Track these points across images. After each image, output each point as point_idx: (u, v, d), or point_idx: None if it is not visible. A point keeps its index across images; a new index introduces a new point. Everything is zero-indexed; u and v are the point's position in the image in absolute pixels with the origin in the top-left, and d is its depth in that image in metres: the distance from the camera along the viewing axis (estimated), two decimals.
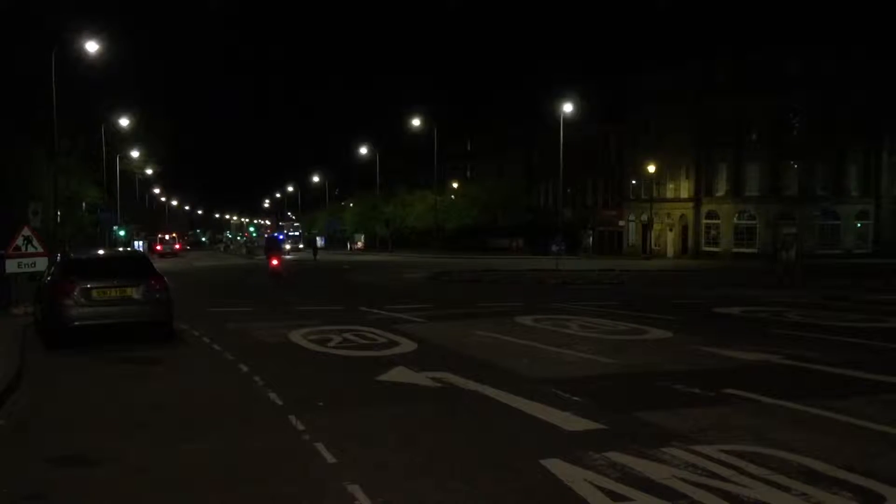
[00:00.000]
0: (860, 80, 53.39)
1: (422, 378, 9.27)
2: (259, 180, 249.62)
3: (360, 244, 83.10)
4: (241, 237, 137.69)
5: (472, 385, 8.80)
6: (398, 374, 9.56)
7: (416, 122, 64.78)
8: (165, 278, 13.38)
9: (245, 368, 10.19)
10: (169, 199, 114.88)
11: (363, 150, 77.87)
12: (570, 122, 48.34)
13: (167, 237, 76.38)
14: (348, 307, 18.42)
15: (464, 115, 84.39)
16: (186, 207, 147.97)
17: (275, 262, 34.25)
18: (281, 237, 67.03)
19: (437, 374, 9.39)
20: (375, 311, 17.42)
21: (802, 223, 55.73)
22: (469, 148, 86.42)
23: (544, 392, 8.37)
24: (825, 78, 52.75)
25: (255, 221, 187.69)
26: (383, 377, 9.41)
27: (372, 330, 13.77)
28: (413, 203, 73.12)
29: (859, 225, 58.30)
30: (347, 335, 13.17)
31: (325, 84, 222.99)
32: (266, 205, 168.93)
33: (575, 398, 8.10)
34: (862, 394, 8.23)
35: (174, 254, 70.63)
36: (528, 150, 74.61)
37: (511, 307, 17.99)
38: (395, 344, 12.21)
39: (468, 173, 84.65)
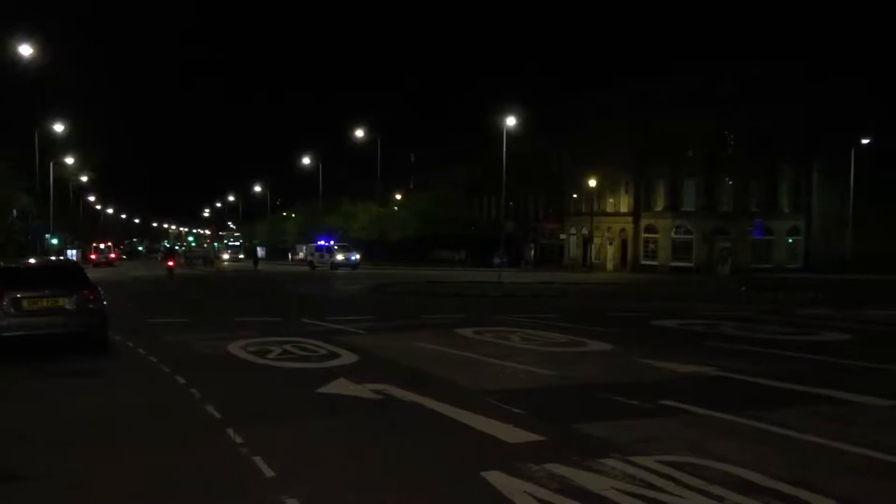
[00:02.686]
0: (792, 100, 55.18)
1: (363, 390, 9.21)
2: (199, 190, 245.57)
3: (301, 255, 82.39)
4: (180, 247, 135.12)
5: (413, 397, 8.78)
6: (339, 387, 9.48)
7: (360, 133, 64.62)
8: (100, 288, 13.04)
9: (182, 381, 9.98)
10: (105, 208, 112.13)
11: (306, 161, 77.30)
12: (514, 136, 48.77)
13: (102, 246, 74.37)
14: (289, 318, 18.22)
15: (408, 127, 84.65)
16: (123, 216, 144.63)
17: (170, 263, 45.71)
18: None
19: (379, 387, 9.34)
20: (316, 322, 17.27)
21: (737, 238, 57.22)
22: (413, 160, 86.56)
23: (486, 404, 8.39)
24: (759, 97, 54.37)
25: (195, 231, 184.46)
26: (324, 389, 9.32)
27: (312, 342, 13.64)
28: (356, 214, 72.84)
29: (791, 241, 60.11)
30: (287, 347, 13.01)
31: (270, 94, 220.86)
32: (206, 214, 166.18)
33: (516, 410, 8.14)
34: (792, 405, 8.46)
35: (109, 263, 68.81)
36: (472, 163, 75.07)
37: (453, 319, 18.02)
38: (336, 356, 12.11)
39: (412, 185, 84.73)
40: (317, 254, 60.61)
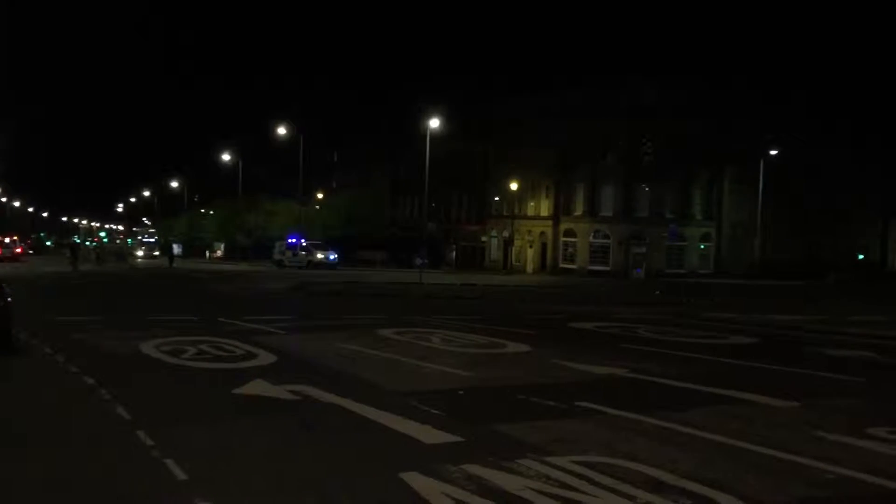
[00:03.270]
0: (706, 111, 57.07)
1: (280, 391, 9.10)
2: (113, 183, 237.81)
3: (219, 253, 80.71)
4: (91, 242, 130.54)
5: (332, 398, 8.72)
6: (256, 387, 9.33)
7: (282, 130, 63.68)
8: (4, 284, 12.50)
9: (91, 381, 9.64)
10: (10, 200, 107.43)
11: (226, 157, 75.76)
12: (437, 138, 48.93)
13: (7, 240, 71.25)
14: (205, 318, 17.82)
15: (332, 125, 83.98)
16: (30, 209, 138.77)
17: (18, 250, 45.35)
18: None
19: (297, 387, 9.24)
20: (234, 322, 16.95)
21: (652, 244, 58.79)
22: (336, 159, 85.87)
23: (405, 405, 8.40)
24: (675, 107, 56.02)
25: (107, 226, 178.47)
26: (240, 390, 9.16)
27: (229, 341, 13.38)
28: (277, 212, 71.78)
29: (703, 246, 62.12)
30: (203, 347, 12.74)
31: (189, 85, 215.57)
32: (119, 209, 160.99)
33: (434, 411, 8.17)
34: (700, 406, 8.75)
35: (14, 258, 65.83)
36: (395, 164, 75.04)
37: (374, 320, 17.96)
38: (254, 356, 11.92)
39: (334, 184, 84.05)
40: (288, 252, 56.96)
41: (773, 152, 57.83)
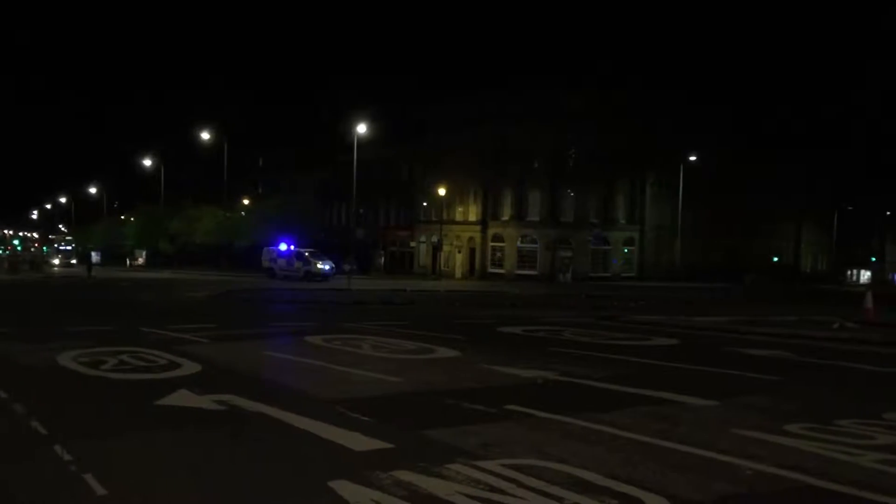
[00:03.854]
0: (630, 117, 58.41)
1: (205, 401, 8.90)
2: (27, 190, 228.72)
3: (141, 260, 78.57)
4: (3, 251, 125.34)
5: (259, 407, 8.57)
6: (180, 398, 9.11)
7: (205, 134, 62.45)
8: None
9: (4, 395, 9.25)
10: None
11: (147, 162, 73.87)
12: (366, 143, 48.77)
13: None
14: (126, 327, 17.31)
15: (258, 130, 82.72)
16: None
17: None
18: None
19: (223, 397, 9.05)
20: (156, 331, 16.51)
21: (577, 248, 59.79)
22: (262, 163, 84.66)
23: (334, 412, 8.33)
24: (598, 113, 57.17)
25: (21, 234, 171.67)
26: (163, 401, 8.92)
27: (152, 351, 13.03)
28: (200, 218, 70.29)
29: (626, 250, 63.49)
30: (124, 357, 12.36)
31: (106, 91, 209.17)
32: (34, 216, 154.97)
33: (364, 418, 8.12)
34: (626, 407, 8.93)
35: None
36: (324, 169, 74.45)
37: (302, 327, 17.76)
38: (177, 366, 11.63)
39: (260, 189, 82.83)
40: (280, 260, 51.27)
41: (692, 158, 59.58)
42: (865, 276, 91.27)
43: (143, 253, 78.67)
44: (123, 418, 8.25)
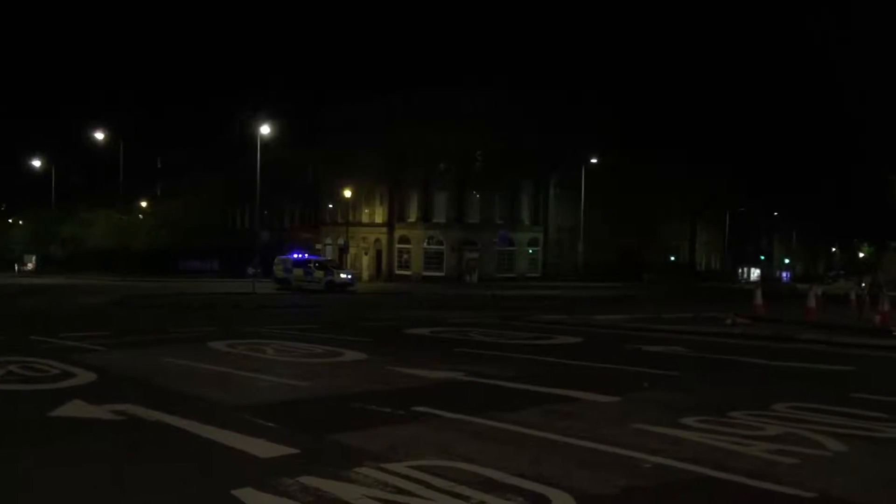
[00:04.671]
0: (534, 119, 59.50)
1: (102, 411, 8.56)
2: None
3: (30, 266, 74.89)
4: None
5: (159, 416, 8.31)
6: (74, 409, 8.73)
7: (99, 135, 60.09)
8: None
9: None
10: None
11: (37, 163, 70.53)
12: (270, 145, 47.95)
13: None
14: (14, 336, 16.45)
15: (156, 131, 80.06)
16: None
17: None
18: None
19: (120, 407, 8.73)
20: (48, 339, 15.76)
21: (483, 249, 60.47)
22: (160, 165, 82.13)
23: (238, 419, 8.15)
24: (504, 115, 58.02)
25: None
26: (56, 413, 8.52)
27: (43, 361, 12.43)
28: (94, 222, 67.52)
29: (531, 251, 64.63)
30: (13, 368, 11.75)
31: None
32: None
33: (270, 424, 7.99)
34: (532, 405, 9.08)
35: None
36: (227, 171, 72.81)
37: (204, 332, 17.30)
38: (71, 375, 11.14)
39: (159, 191, 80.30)
40: (296, 269, 46.55)
41: (593, 160, 61.15)
42: (755, 273, 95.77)
43: (33, 258, 75.01)
44: (13, 432, 7.85)
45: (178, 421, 8.07)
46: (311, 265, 46.17)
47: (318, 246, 67.35)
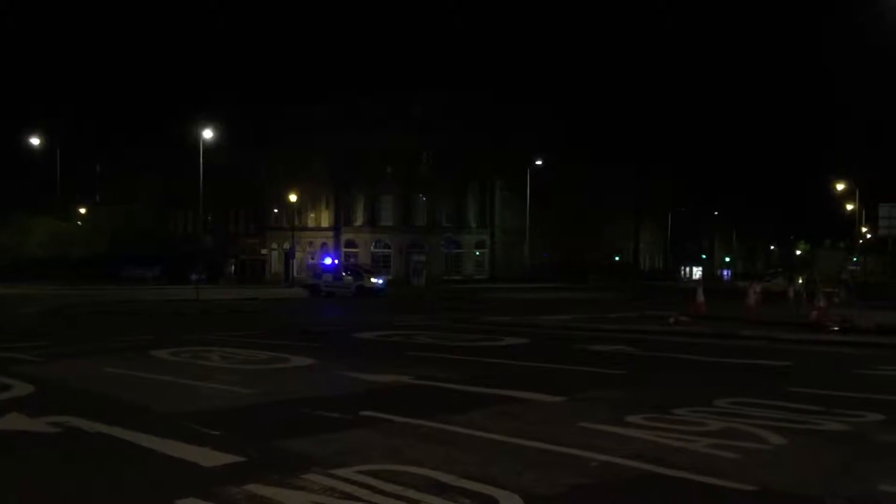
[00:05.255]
0: (479, 124, 59.83)
1: (40, 424, 8.31)
2: None
3: None
4: None
5: (100, 427, 8.10)
6: (10, 422, 8.45)
7: (35, 140, 58.48)
8: None
9: None
10: None
11: None
12: (214, 149, 47.23)
13: None
14: None
15: (96, 136, 78.15)
16: None
17: None
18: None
19: (59, 419, 8.49)
20: None
21: (431, 252, 60.52)
22: (99, 171, 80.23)
23: (181, 428, 8.00)
24: (450, 121, 58.23)
25: None
26: None
27: None
28: (32, 229, 65.61)
29: (478, 253, 64.94)
30: None
31: None
32: None
33: (214, 432, 7.85)
34: (480, 407, 9.11)
35: None
36: (170, 175, 71.47)
37: (146, 341, 16.93)
38: (7, 388, 10.79)
39: (99, 198, 78.42)
40: (326, 275, 45.57)
41: (538, 162, 61.72)
42: (697, 272, 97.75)
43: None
44: None
45: (119, 431, 7.89)
46: (342, 271, 45.36)
47: (264, 251, 66.60)
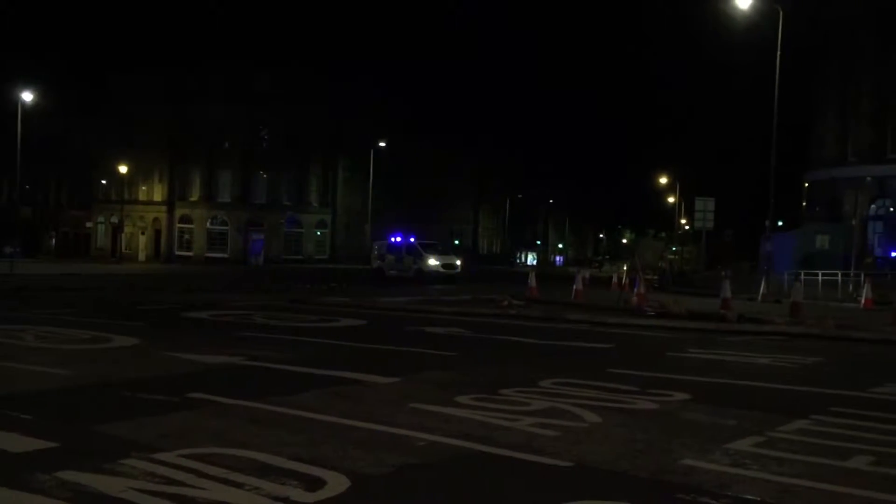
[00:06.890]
0: (320, 102, 59.01)
1: None
2: None
3: None
4: None
5: None
6: None
7: None
8: None
9: None
10: None
11: None
12: (34, 113, 43.84)
13: None
14: None
15: None
16: None
17: None
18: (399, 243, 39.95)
19: None
20: None
21: (270, 230, 59.26)
22: None
23: None
24: (290, 97, 57.06)
25: None
26: None
27: None
28: None
29: (319, 233, 64.28)
30: None
31: None
32: None
33: (24, 416, 7.37)
34: (312, 388, 9.07)
35: None
36: None
37: None
38: None
39: None
40: (389, 256, 40.67)
41: (382, 144, 61.75)
42: (532, 257, 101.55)
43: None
44: None
45: None
46: (403, 251, 40.18)
47: (90, 225, 62.81)
